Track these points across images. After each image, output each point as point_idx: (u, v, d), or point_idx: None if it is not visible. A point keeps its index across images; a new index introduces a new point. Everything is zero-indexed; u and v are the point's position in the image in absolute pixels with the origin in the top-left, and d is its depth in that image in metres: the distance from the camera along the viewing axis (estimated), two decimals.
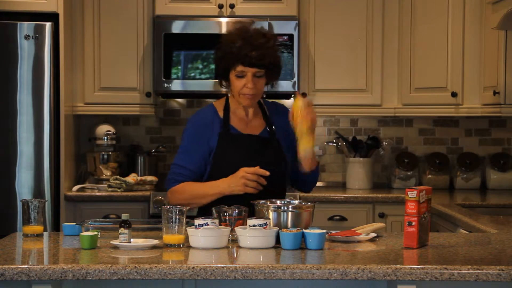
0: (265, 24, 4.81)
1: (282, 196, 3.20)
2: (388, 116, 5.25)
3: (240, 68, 3.13)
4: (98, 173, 4.98)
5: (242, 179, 3.02)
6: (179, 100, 5.30)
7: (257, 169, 3.02)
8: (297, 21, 4.88)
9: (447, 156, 5.29)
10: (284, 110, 3.34)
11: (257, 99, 3.24)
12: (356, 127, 5.35)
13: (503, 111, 4.33)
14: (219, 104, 3.30)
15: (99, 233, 2.74)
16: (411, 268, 2.37)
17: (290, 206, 2.80)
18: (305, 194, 4.66)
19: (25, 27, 4.49)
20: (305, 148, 3.09)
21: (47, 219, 4.47)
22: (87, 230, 2.80)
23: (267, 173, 3.02)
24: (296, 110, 3.08)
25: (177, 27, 4.83)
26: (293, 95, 3.02)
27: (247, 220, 2.69)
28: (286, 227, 2.73)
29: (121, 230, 2.69)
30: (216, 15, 4.87)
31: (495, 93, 4.31)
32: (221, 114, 3.26)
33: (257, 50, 3.11)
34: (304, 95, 3.14)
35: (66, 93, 4.65)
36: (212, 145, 3.21)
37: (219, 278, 2.37)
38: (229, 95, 3.30)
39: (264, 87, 3.22)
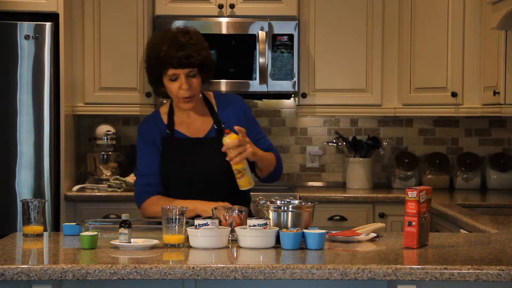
0: (265, 24, 4.81)
1: (244, 194, 3.17)
2: (388, 116, 5.25)
3: (171, 71, 3.08)
4: (98, 173, 4.98)
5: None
6: None
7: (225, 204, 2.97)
8: (297, 21, 4.88)
9: (447, 156, 5.29)
10: (235, 100, 3.28)
11: (196, 101, 3.18)
12: (356, 127, 5.35)
13: (503, 111, 4.32)
14: (163, 109, 3.28)
15: (99, 233, 2.74)
16: (411, 268, 2.37)
17: (290, 206, 2.79)
18: (305, 194, 4.69)
19: (25, 27, 4.48)
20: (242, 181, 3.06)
21: (47, 219, 4.47)
22: (87, 230, 2.80)
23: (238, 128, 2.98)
24: (226, 150, 3.00)
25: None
26: (224, 133, 2.99)
27: (247, 220, 2.69)
28: (286, 227, 2.73)
29: (121, 230, 2.69)
30: (216, 15, 4.87)
31: (495, 93, 4.31)
32: (165, 118, 3.24)
33: (183, 49, 3.06)
34: (228, 132, 3.01)
35: (66, 93, 4.65)
36: (159, 150, 3.20)
37: (219, 278, 2.37)
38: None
39: (201, 86, 3.17)
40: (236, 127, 3.02)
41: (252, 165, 3.15)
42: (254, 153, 3.04)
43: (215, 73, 3.25)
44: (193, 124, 3.23)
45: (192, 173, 3.17)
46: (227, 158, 3.01)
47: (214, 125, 3.22)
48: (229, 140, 3.00)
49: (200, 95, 3.25)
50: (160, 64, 3.09)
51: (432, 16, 4.82)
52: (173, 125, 3.22)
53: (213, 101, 3.27)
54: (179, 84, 3.10)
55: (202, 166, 3.16)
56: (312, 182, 5.34)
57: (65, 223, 3.01)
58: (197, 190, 3.16)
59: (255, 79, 4.82)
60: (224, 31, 4.82)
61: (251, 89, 4.83)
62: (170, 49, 3.06)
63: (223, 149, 3.00)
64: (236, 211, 2.79)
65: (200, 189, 3.16)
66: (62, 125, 4.60)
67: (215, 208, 2.84)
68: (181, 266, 2.38)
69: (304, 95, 4.98)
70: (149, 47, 3.17)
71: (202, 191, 3.14)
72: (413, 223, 2.66)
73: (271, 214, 2.75)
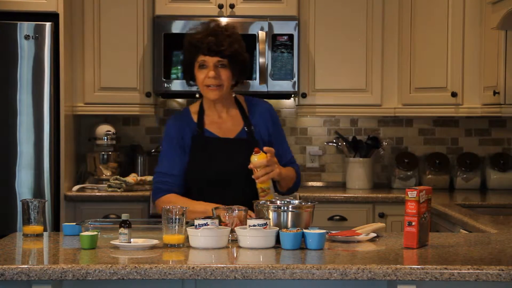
0: (265, 24, 4.81)
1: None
2: (388, 116, 5.25)
3: (201, 58, 3.11)
4: (98, 173, 4.98)
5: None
6: (179, 100, 5.30)
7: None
8: (297, 21, 4.88)
9: (447, 156, 5.29)
10: (265, 106, 3.29)
11: (223, 92, 3.16)
12: (356, 127, 5.35)
13: (503, 111, 4.33)
14: (193, 108, 3.28)
15: (99, 233, 2.74)
16: (411, 268, 2.37)
17: (290, 206, 2.79)
18: (305, 194, 4.69)
19: (25, 27, 4.48)
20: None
21: (47, 219, 4.47)
22: (87, 230, 2.80)
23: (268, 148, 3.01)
24: (253, 168, 3.02)
25: (177, 27, 4.83)
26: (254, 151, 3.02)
27: (247, 220, 2.69)
28: (286, 227, 2.73)
29: (121, 230, 2.68)
30: (216, 15, 4.87)
31: (495, 93, 4.31)
32: (195, 117, 3.24)
33: (215, 36, 3.09)
34: (258, 151, 3.03)
35: (66, 93, 4.65)
36: (187, 149, 3.20)
37: (219, 278, 2.37)
38: (203, 98, 3.27)
39: (231, 81, 3.16)
40: (265, 148, 3.04)
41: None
42: (280, 174, 3.06)
43: (248, 74, 3.25)
44: (224, 124, 3.24)
45: (219, 172, 3.16)
46: (253, 177, 3.02)
47: (245, 128, 3.23)
48: (257, 159, 3.02)
49: (233, 95, 3.27)
50: (191, 49, 3.13)
51: (432, 16, 4.82)
52: (203, 124, 3.22)
53: (244, 104, 3.28)
54: (206, 71, 3.11)
55: (230, 166, 3.16)
56: (312, 182, 5.34)
57: (65, 223, 3.01)
58: (221, 190, 3.15)
59: (255, 79, 4.82)
60: None
61: (251, 89, 4.83)
62: (203, 35, 3.11)
63: (250, 166, 3.02)
64: (236, 211, 2.79)
65: (223, 189, 3.14)
66: (62, 125, 4.60)
67: (216, 208, 2.84)
68: (181, 266, 2.38)
69: (304, 95, 4.98)
70: (186, 35, 3.21)
71: (225, 192, 3.13)
72: (413, 223, 2.66)
73: (271, 214, 2.75)
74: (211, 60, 3.10)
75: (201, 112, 3.25)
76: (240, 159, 3.13)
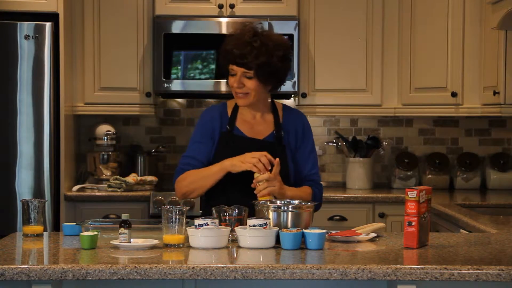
0: (265, 24, 4.81)
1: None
2: (388, 116, 5.25)
3: (230, 66, 3.15)
4: (98, 173, 4.99)
5: (247, 157, 3.02)
6: (179, 100, 5.30)
7: (265, 153, 3.02)
8: (297, 21, 4.88)
9: (447, 156, 5.29)
10: (300, 116, 3.34)
11: (250, 100, 3.18)
12: (356, 127, 5.35)
13: (503, 111, 4.33)
14: (231, 103, 3.32)
15: (99, 233, 2.74)
16: (411, 268, 2.37)
17: (290, 206, 2.80)
18: None
19: (25, 27, 4.49)
20: None
21: (47, 219, 4.47)
22: (87, 230, 2.80)
23: (275, 161, 3.02)
24: (255, 183, 3.02)
25: (177, 27, 4.83)
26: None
27: (247, 220, 2.69)
28: (286, 227, 2.73)
29: (121, 230, 2.68)
30: (216, 15, 4.87)
31: (495, 93, 4.31)
32: (230, 112, 3.28)
33: (241, 49, 3.10)
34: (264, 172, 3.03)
35: (66, 93, 4.65)
36: (215, 142, 3.23)
37: (219, 278, 2.37)
38: None
39: (260, 89, 3.16)
40: (276, 160, 3.03)
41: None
42: (282, 194, 3.04)
43: (283, 81, 3.24)
44: (255, 125, 3.26)
45: (244, 173, 3.14)
46: (255, 192, 3.01)
47: (274, 132, 3.25)
48: (259, 174, 3.03)
49: (269, 100, 3.29)
50: (224, 56, 3.17)
51: (432, 16, 4.82)
52: (234, 121, 3.25)
53: (280, 110, 3.31)
54: (235, 79, 3.15)
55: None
56: None
57: (65, 223, 3.01)
58: (241, 189, 3.13)
59: None
60: (224, 31, 4.82)
61: None
62: (233, 45, 3.13)
63: (253, 184, 3.02)
64: (236, 210, 2.80)
65: (243, 189, 3.12)
66: (62, 125, 4.60)
67: (216, 208, 2.84)
68: (181, 266, 2.38)
69: (304, 95, 4.98)
70: (227, 37, 3.22)
71: (245, 191, 3.10)
72: (413, 223, 2.66)
73: (271, 214, 2.75)
74: (238, 70, 3.14)
75: (235, 109, 3.29)
76: None
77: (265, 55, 3.12)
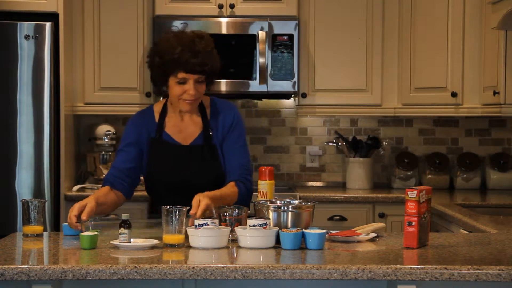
0: (265, 24, 4.81)
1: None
2: (388, 116, 5.25)
3: (181, 75, 3.07)
4: (98, 173, 4.98)
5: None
6: None
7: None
8: (297, 21, 4.88)
9: (447, 156, 5.29)
10: (228, 110, 3.25)
11: (197, 104, 3.18)
12: (356, 127, 5.35)
13: (503, 111, 4.33)
14: (157, 107, 3.28)
15: (99, 233, 2.74)
16: (411, 268, 2.37)
17: (290, 206, 2.80)
18: (305, 194, 4.69)
19: (25, 27, 4.48)
20: None
21: (47, 219, 4.46)
22: (87, 228, 2.80)
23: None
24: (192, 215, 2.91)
25: (177, 27, 4.83)
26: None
27: (247, 220, 2.69)
28: (286, 227, 2.73)
29: (121, 230, 2.69)
30: (216, 15, 4.87)
31: (495, 93, 4.31)
32: (157, 117, 3.24)
33: (198, 56, 3.05)
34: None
35: (66, 93, 4.65)
36: (144, 149, 3.22)
37: (219, 278, 2.37)
38: (169, 99, 3.25)
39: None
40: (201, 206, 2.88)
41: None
42: (209, 205, 2.86)
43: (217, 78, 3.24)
44: (184, 128, 3.23)
45: (176, 180, 3.17)
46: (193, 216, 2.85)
47: (204, 132, 3.21)
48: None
49: None
50: (172, 65, 3.07)
51: (432, 16, 4.82)
52: (163, 127, 3.22)
53: (208, 107, 3.26)
54: (186, 88, 3.09)
55: (186, 173, 3.17)
56: (312, 182, 5.34)
57: (65, 223, 3.01)
58: (178, 196, 3.11)
59: (255, 79, 4.82)
60: (224, 31, 4.82)
61: (251, 89, 4.83)
62: (186, 53, 3.05)
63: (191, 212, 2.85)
64: (237, 210, 2.80)
65: (182, 195, 3.09)
66: (62, 125, 4.60)
67: (217, 207, 2.84)
68: (181, 266, 2.38)
69: (304, 95, 4.98)
70: (162, 45, 3.12)
71: (184, 197, 3.03)
72: (413, 223, 2.66)
73: (271, 214, 2.76)
74: (192, 77, 3.08)
75: (163, 113, 3.24)
76: (195, 168, 3.16)
77: (215, 57, 3.13)
